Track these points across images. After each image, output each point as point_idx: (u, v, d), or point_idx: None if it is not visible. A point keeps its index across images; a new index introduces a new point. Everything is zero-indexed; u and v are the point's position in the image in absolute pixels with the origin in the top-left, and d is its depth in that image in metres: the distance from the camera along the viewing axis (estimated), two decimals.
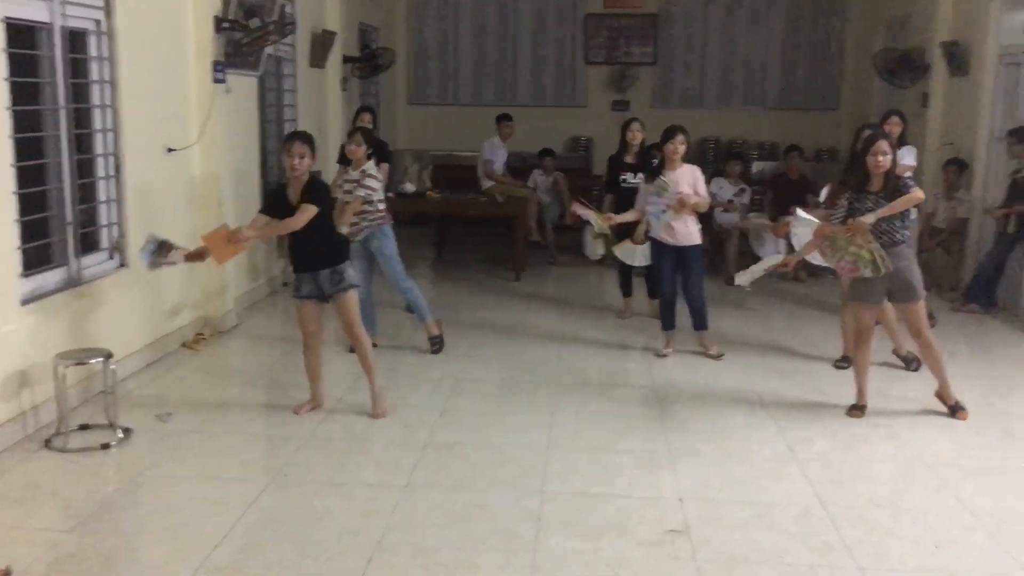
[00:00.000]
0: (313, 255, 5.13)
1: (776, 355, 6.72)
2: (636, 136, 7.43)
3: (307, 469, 4.61)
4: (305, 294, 5.20)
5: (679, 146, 6.33)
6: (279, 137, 8.84)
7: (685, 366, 6.43)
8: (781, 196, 9.57)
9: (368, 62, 10.50)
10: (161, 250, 5.10)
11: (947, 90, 9.49)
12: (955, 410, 5.42)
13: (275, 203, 5.16)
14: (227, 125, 7.11)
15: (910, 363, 6.34)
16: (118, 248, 5.93)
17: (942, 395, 5.47)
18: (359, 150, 6.14)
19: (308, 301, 5.21)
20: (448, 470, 4.61)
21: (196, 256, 5.18)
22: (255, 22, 6.86)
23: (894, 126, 6.45)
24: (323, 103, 9.78)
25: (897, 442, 5.07)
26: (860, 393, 5.48)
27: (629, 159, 7.39)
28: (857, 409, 5.45)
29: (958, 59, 9.15)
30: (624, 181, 7.25)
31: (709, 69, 13.06)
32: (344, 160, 6.49)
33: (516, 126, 9.94)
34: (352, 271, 5.29)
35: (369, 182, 6.17)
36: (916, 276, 5.29)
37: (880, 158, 5.11)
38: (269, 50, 7.65)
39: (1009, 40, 8.42)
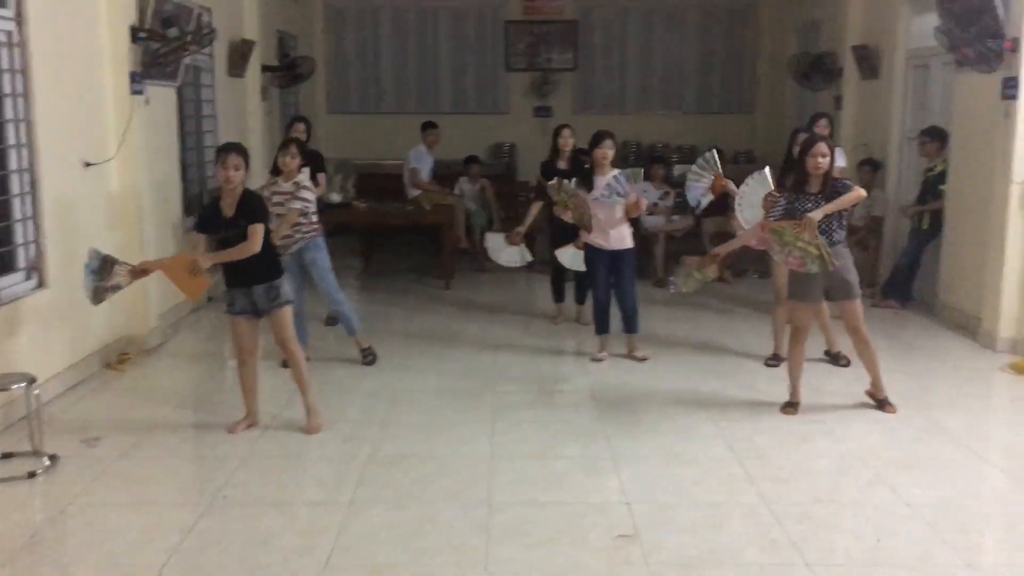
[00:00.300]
0: (248, 270, 5.01)
1: (709, 355, 6.82)
2: (567, 142, 7.49)
3: (247, 490, 4.48)
4: (239, 310, 5.07)
5: (608, 151, 6.41)
6: (199, 149, 8.65)
7: (621, 370, 6.48)
8: None
9: (288, 71, 10.33)
10: (104, 268, 4.89)
11: (859, 92, 9.78)
12: (883, 404, 5.57)
13: (210, 218, 5.04)
14: (146, 137, 6.91)
15: (838, 360, 6.50)
16: (36, 267, 5.69)
17: (874, 390, 5.62)
18: (294, 162, 6.05)
19: (242, 317, 5.09)
20: (393, 484, 4.54)
21: (141, 272, 5.01)
22: (173, 32, 6.68)
23: (823, 128, 6.61)
24: (243, 113, 9.59)
25: (832, 437, 5.19)
26: (794, 391, 5.59)
27: (562, 165, 7.41)
28: (791, 406, 5.56)
29: (869, 62, 9.44)
30: None
31: (628, 74, 13.23)
32: (277, 171, 6.33)
33: (439, 134, 9.93)
34: (288, 286, 5.18)
35: (304, 194, 6.07)
36: (853, 274, 5.45)
37: (819, 160, 5.23)
38: (187, 60, 7.46)
39: (917, 43, 8.72)
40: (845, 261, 5.41)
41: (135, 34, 6.55)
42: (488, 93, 13.18)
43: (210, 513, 4.21)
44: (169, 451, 5.01)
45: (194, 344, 7.23)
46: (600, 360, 6.64)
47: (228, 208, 4.94)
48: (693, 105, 13.29)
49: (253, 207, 4.96)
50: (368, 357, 6.55)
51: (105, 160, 6.42)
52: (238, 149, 5.00)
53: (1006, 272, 6.81)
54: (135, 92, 6.64)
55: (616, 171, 6.45)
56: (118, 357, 6.48)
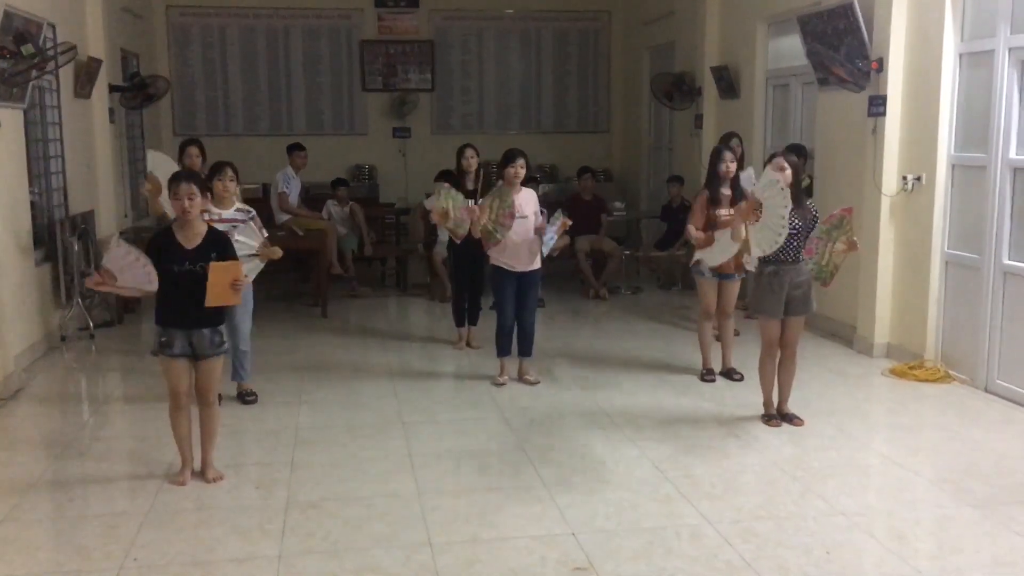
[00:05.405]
0: (199, 310, 4.55)
1: (606, 372, 6.80)
2: (471, 163, 7.40)
3: (159, 550, 4.05)
4: (178, 352, 4.63)
5: (519, 169, 6.31)
6: (45, 176, 7.96)
7: (523, 393, 6.36)
8: (577, 216, 9.78)
9: (139, 91, 9.67)
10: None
11: (719, 112, 10.10)
12: (792, 418, 5.68)
13: (165, 249, 4.57)
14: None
15: (732, 375, 6.64)
16: None
17: (784, 406, 5.72)
18: (232, 185, 5.66)
19: (180, 360, 4.66)
20: (322, 532, 4.22)
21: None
22: (29, 48, 6.10)
23: (736, 147, 6.89)
24: (91, 137, 8.93)
25: (750, 451, 5.24)
26: (767, 403, 5.70)
27: (469, 186, 7.26)
28: (769, 418, 5.66)
29: (728, 83, 9.76)
30: None
31: (486, 95, 13.20)
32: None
33: (307, 156, 9.60)
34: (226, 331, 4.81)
35: (259, 221, 5.75)
36: (813, 292, 5.57)
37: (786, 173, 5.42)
38: (34, 80, 6.84)
39: (776, 64, 9.09)
40: (809, 277, 5.53)
41: None
42: (344, 114, 12.84)
43: None
44: (58, 511, 4.50)
45: (58, 387, 6.59)
46: (502, 384, 6.50)
47: (188, 240, 4.57)
48: (550, 125, 13.40)
49: (224, 244, 4.69)
50: (249, 397, 6.16)
51: None
52: (189, 177, 4.65)
53: (879, 281, 7.15)
54: None
55: (527, 189, 6.48)
56: None
